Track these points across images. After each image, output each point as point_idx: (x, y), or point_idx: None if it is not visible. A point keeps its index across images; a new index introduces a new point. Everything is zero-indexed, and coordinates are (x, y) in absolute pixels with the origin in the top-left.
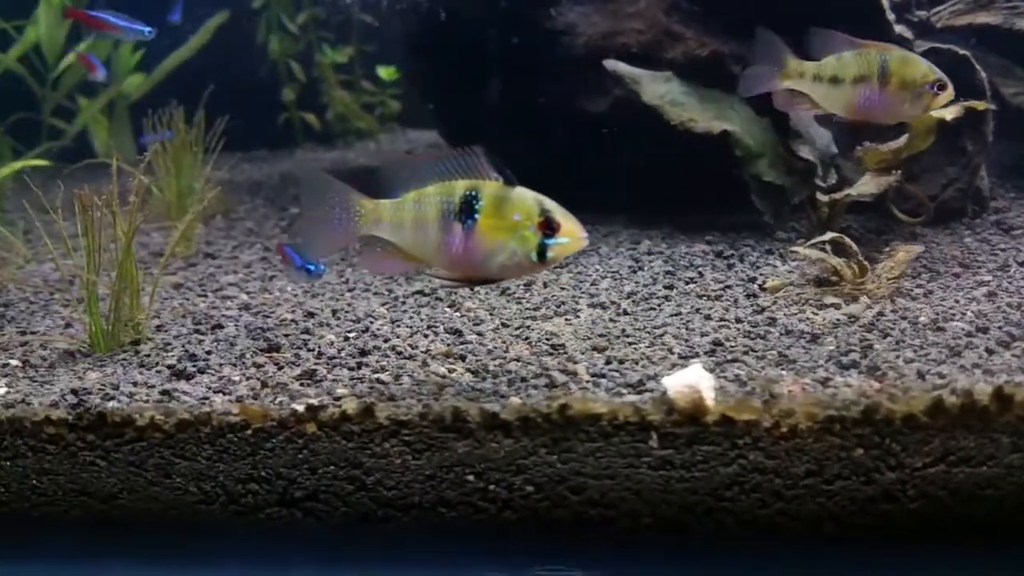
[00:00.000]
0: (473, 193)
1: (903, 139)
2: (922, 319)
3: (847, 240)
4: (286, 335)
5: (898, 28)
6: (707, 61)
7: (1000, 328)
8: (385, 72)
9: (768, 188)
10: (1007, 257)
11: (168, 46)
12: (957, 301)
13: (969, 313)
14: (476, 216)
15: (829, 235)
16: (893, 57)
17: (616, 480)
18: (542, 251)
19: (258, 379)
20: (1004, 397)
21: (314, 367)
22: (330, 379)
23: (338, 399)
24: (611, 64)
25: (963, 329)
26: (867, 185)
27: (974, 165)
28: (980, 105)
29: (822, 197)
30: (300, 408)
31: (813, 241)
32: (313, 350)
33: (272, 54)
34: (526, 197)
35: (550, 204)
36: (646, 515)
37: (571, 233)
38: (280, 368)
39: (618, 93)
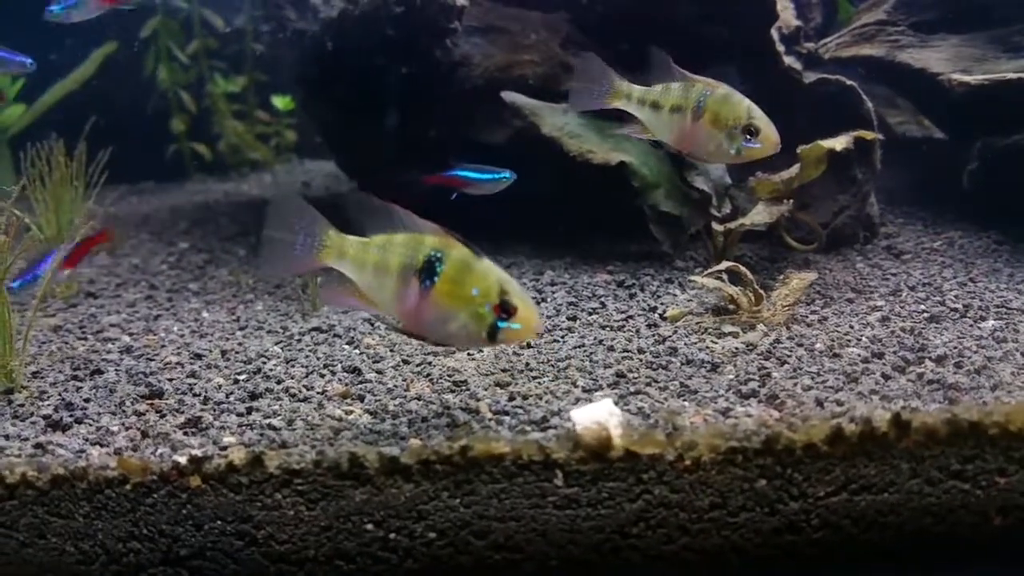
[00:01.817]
0: (438, 255)
1: (794, 169)
2: (818, 346)
3: (742, 269)
4: (170, 379)
5: (788, 59)
6: None
7: (895, 353)
8: (281, 102)
9: (666, 218)
10: (898, 282)
11: (51, 77)
12: (852, 327)
13: (864, 338)
14: (435, 279)
15: (725, 264)
16: (714, 94)
17: (521, 522)
18: (493, 332)
19: (138, 429)
20: (902, 423)
21: (199, 414)
22: (217, 426)
23: (224, 449)
24: (509, 96)
25: (859, 355)
26: (760, 214)
27: (864, 192)
28: (868, 135)
29: (717, 227)
30: (182, 460)
31: (710, 270)
32: (199, 395)
33: (161, 84)
34: (489, 273)
35: (511, 286)
36: (553, 557)
37: (526, 321)
38: (162, 416)
39: (517, 124)
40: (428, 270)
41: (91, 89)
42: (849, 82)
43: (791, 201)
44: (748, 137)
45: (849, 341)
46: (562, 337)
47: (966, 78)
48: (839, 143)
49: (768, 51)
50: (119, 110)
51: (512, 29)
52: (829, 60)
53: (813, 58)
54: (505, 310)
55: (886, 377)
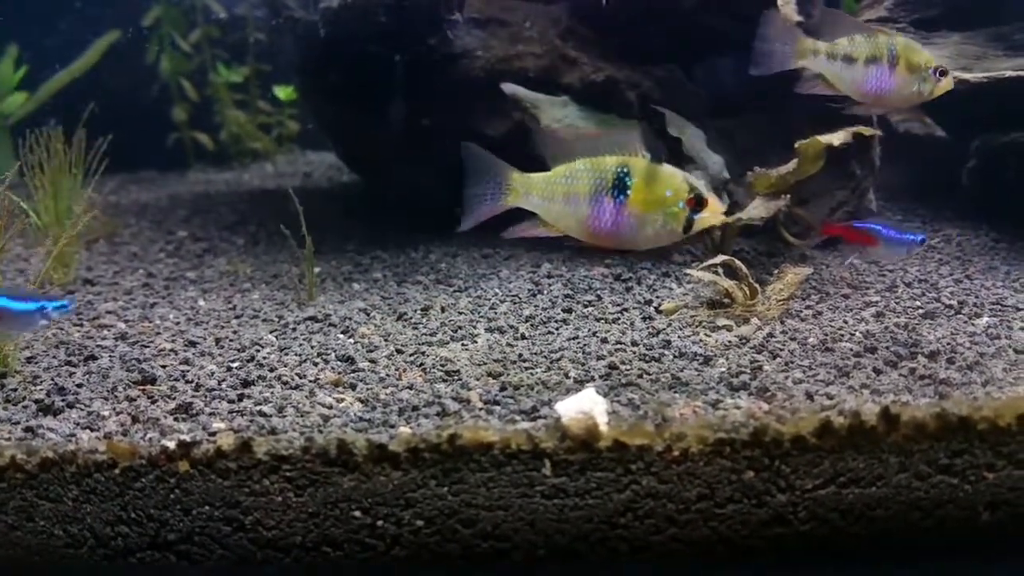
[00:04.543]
0: (624, 170)
1: (792, 164)
2: (811, 340)
3: (737, 263)
4: (163, 366)
5: None
6: (602, 86)
7: (888, 348)
8: (283, 92)
9: None
10: (895, 278)
11: (47, 62)
12: (846, 322)
13: (857, 333)
14: (627, 192)
15: (721, 258)
16: (898, 42)
17: (509, 511)
18: (688, 225)
19: (129, 414)
20: (891, 417)
21: (191, 400)
22: (207, 412)
23: (213, 434)
24: (509, 88)
25: (851, 349)
26: (757, 209)
27: (862, 189)
28: (866, 131)
29: None
30: (171, 445)
31: (706, 264)
32: (191, 382)
33: (163, 72)
34: (675, 175)
35: (695, 181)
36: (540, 546)
37: (714, 208)
38: (153, 402)
39: (517, 117)
40: (619, 185)
41: (93, 77)
42: None
43: (788, 196)
44: (939, 77)
45: (842, 336)
46: (556, 329)
47: (966, 75)
48: (837, 138)
49: None
50: (121, 99)
51: (513, 21)
52: None
53: None
54: (698, 202)
55: (878, 372)
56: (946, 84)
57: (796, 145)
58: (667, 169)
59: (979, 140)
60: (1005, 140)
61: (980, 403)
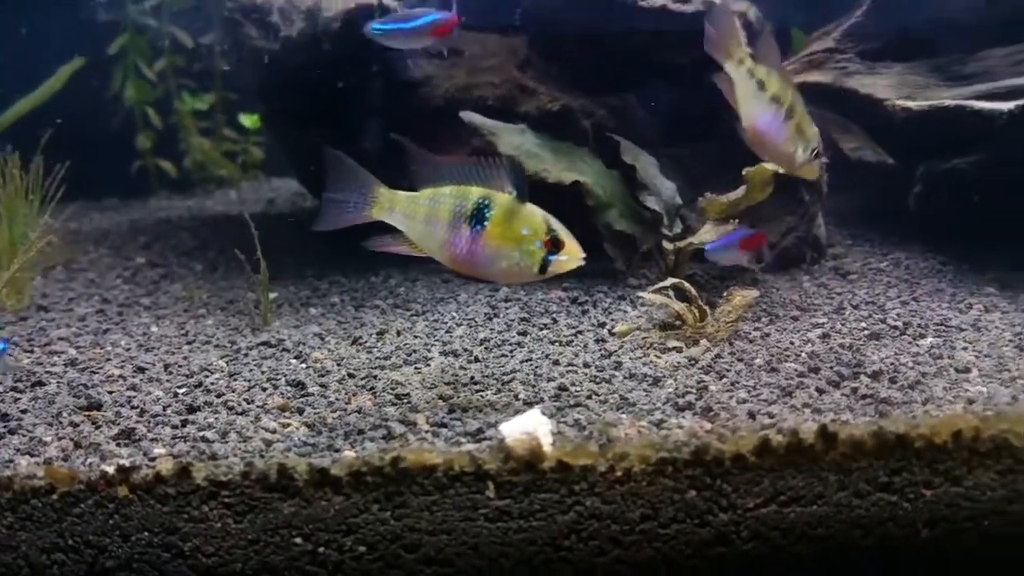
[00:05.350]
0: (486, 201)
1: (741, 190)
2: (757, 360)
3: (686, 285)
4: (110, 392)
5: None
6: (558, 115)
7: (831, 368)
8: (248, 120)
9: (619, 237)
10: (842, 300)
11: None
12: (792, 343)
13: (803, 354)
14: (485, 223)
15: (671, 281)
16: (802, 104)
17: (452, 535)
18: (544, 265)
19: (71, 439)
20: (829, 435)
21: (134, 426)
22: (149, 438)
23: (153, 459)
24: (468, 115)
25: (796, 370)
26: (708, 234)
27: (811, 214)
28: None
29: (668, 245)
30: (110, 470)
31: (657, 287)
32: (137, 408)
33: (128, 101)
34: (535, 214)
35: (556, 224)
36: (484, 571)
37: (572, 252)
38: (97, 427)
39: (475, 144)
40: (478, 216)
41: (55, 104)
42: None
43: (738, 221)
44: (811, 156)
45: (788, 356)
46: (511, 352)
47: (909, 103)
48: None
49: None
50: (83, 126)
51: (473, 51)
52: None
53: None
54: (555, 245)
55: (820, 391)
56: (812, 170)
57: (744, 172)
58: (529, 208)
59: (923, 167)
60: (946, 167)
61: (917, 421)
